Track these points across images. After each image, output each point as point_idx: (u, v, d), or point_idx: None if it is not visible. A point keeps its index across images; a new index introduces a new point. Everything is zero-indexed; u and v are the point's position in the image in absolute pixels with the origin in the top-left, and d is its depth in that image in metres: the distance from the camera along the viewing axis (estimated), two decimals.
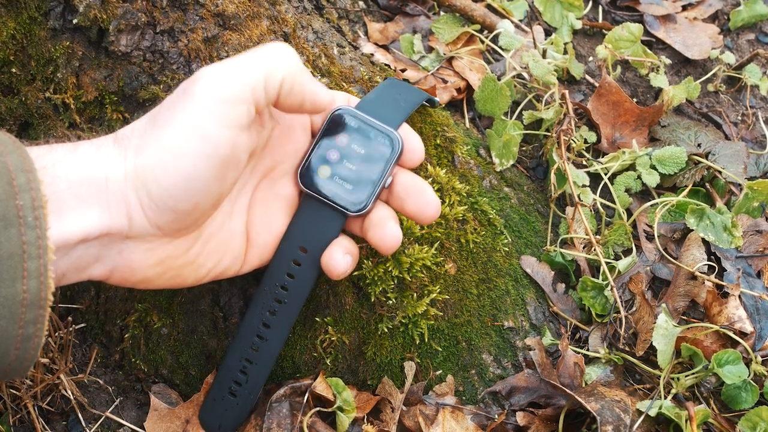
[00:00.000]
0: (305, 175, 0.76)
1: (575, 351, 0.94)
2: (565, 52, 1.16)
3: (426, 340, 0.90)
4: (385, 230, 0.75)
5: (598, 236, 1.02)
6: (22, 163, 0.56)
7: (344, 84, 0.92)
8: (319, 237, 0.77)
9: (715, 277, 0.96)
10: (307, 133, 0.78)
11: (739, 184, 1.06)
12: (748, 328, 0.91)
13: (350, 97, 0.79)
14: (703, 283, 0.94)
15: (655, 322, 0.89)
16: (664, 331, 0.88)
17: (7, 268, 0.54)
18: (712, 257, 1.00)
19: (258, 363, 0.81)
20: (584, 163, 1.09)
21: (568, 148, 1.06)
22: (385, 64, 1.05)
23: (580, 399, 0.85)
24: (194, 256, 0.71)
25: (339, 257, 0.75)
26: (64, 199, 0.60)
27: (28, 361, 0.58)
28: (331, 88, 0.87)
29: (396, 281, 0.88)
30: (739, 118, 1.23)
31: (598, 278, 0.98)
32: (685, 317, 0.97)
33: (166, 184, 0.63)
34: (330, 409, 0.85)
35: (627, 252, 1.03)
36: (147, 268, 0.67)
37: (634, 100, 1.20)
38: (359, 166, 0.76)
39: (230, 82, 0.64)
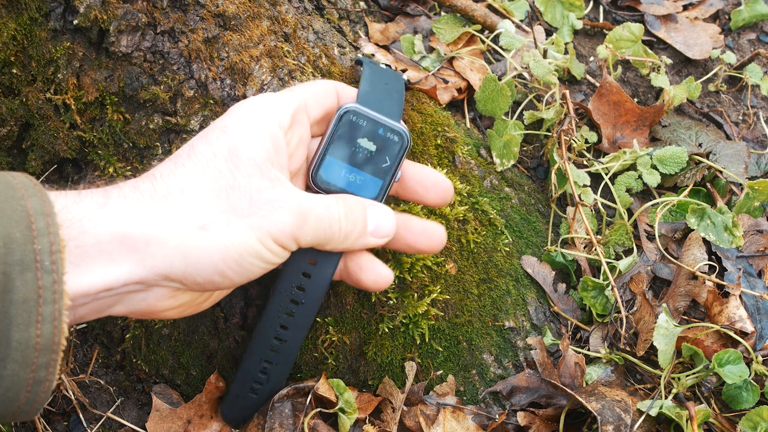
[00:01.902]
0: (316, 173, 0.76)
1: (576, 351, 0.94)
2: (566, 52, 1.16)
3: (427, 340, 0.90)
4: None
5: (598, 236, 1.02)
6: (42, 207, 0.56)
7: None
8: None
9: (716, 277, 0.95)
10: (305, 145, 0.77)
11: (740, 184, 1.06)
12: (749, 327, 0.91)
13: (337, 85, 0.79)
14: (704, 282, 0.94)
15: (655, 322, 0.89)
16: (664, 331, 0.88)
17: (21, 312, 0.53)
18: (713, 257, 1.00)
19: (278, 363, 0.81)
20: (585, 163, 1.09)
21: (569, 148, 1.06)
22: (386, 65, 1.05)
23: (580, 399, 0.85)
24: (212, 291, 0.72)
25: (384, 271, 0.77)
26: (89, 253, 0.59)
27: (38, 404, 0.57)
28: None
29: (397, 281, 0.88)
30: (740, 117, 1.23)
31: (598, 278, 0.98)
32: (685, 317, 0.97)
33: (225, 268, 0.64)
34: (332, 410, 0.86)
35: (628, 252, 1.03)
36: (168, 309, 0.68)
37: (635, 99, 1.20)
38: (370, 163, 0.76)
39: (305, 231, 0.68)
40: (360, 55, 0.97)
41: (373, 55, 1.07)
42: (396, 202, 0.89)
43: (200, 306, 0.73)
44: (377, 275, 0.77)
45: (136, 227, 0.61)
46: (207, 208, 0.64)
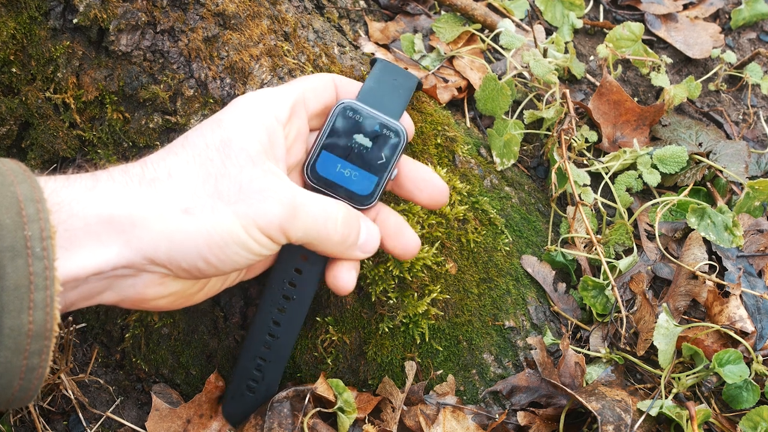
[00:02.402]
0: (311, 169, 0.76)
1: (576, 350, 0.94)
2: (566, 51, 1.16)
3: (427, 339, 0.90)
4: (404, 239, 0.77)
5: (599, 236, 1.02)
6: (32, 193, 0.56)
7: None
8: None
9: (716, 277, 0.95)
10: (303, 138, 0.77)
11: (741, 184, 1.06)
12: (749, 327, 0.91)
13: (335, 77, 0.79)
14: (704, 282, 0.94)
15: (656, 322, 0.89)
16: (665, 331, 0.88)
17: (13, 299, 0.53)
18: (713, 256, 1.00)
19: (272, 360, 0.81)
20: (585, 162, 1.09)
21: (569, 148, 1.06)
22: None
23: (581, 399, 0.85)
24: (204, 283, 0.72)
25: (346, 275, 0.76)
26: (78, 236, 0.59)
27: (32, 391, 0.57)
28: None
29: (397, 281, 0.88)
30: (741, 117, 1.23)
31: (599, 278, 0.98)
32: (686, 317, 0.97)
33: (209, 255, 0.63)
34: (331, 410, 0.85)
35: (628, 251, 1.03)
36: (159, 298, 0.67)
37: (635, 99, 1.20)
38: (365, 159, 0.76)
39: (296, 224, 0.66)
40: (378, 56, 0.97)
41: (373, 54, 1.07)
42: (396, 200, 0.89)
43: (192, 298, 0.72)
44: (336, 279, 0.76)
45: (123, 209, 0.61)
46: (192, 193, 0.64)
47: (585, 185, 1.04)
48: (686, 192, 1.05)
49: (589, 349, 0.95)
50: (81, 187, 0.61)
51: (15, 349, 0.54)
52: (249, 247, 0.65)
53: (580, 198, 1.01)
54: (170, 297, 0.68)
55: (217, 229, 0.63)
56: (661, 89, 1.20)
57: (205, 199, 0.64)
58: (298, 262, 0.77)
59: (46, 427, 0.87)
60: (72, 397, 0.88)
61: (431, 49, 1.17)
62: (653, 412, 0.85)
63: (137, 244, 0.61)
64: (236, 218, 0.63)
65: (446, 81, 1.11)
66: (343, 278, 0.75)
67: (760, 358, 0.89)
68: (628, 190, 1.07)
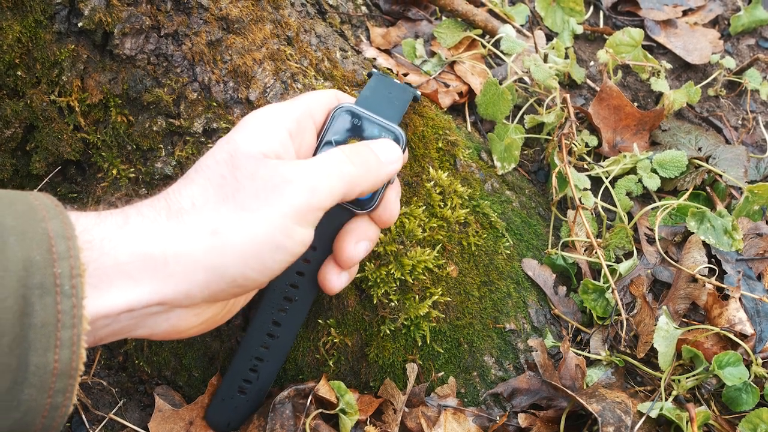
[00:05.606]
0: None
1: (576, 353, 0.94)
2: (567, 57, 1.17)
3: (428, 342, 0.91)
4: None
5: (599, 239, 1.02)
6: (63, 230, 0.55)
7: (347, 88, 0.92)
8: (327, 236, 0.77)
9: (716, 280, 0.96)
10: (313, 151, 0.77)
11: (740, 188, 1.06)
12: (749, 330, 0.91)
13: (338, 93, 0.79)
14: (704, 285, 0.95)
15: (656, 325, 0.89)
16: (665, 333, 0.89)
17: (40, 337, 0.53)
18: (713, 260, 1.00)
19: (269, 360, 0.81)
20: (585, 166, 1.10)
21: (570, 152, 1.07)
22: (388, 69, 1.05)
23: (581, 400, 0.85)
24: (232, 303, 0.72)
25: (334, 277, 0.77)
26: (109, 275, 0.58)
27: (54, 429, 0.56)
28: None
29: (398, 283, 0.88)
30: (740, 122, 1.24)
31: (599, 281, 0.98)
32: (685, 319, 0.97)
33: (246, 269, 0.63)
34: (332, 411, 0.86)
35: (628, 255, 1.04)
36: (192, 327, 0.67)
37: (635, 104, 1.20)
38: None
39: (321, 193, 0.65)
40: (374, 69, 0.97)
41: (374, 59, 1.08)
42: None
43: (222, 320, 0.72)
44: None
45: (155, 246, 0.60)
46: (217, 215, 0.64)
47: (585, 189, 1.04)
48: (686, 196, 1.06)
49: (589, 352, 0.95)
50: (112, 225, 0.60)
51: (40, 387, 0.53)
52: (286, 247, 0.64)
53: (581, 202, 1.01)
54: (202, 325, 0.68)
55: (248, 241, 0.63)
56: (660, 94, 1.21)
57: (230, 216, 0.63)
58: (300, 266, 0.78)
59: None
60: (75, 398, 0.89)
61: (432, 54, 1.18)
62: (653, 414, 0.85)
63: (172, 281, 0.61)
64: (267, 223, 0.63)
65: (447, 86, 1.12)
66: (332, 281, 0.77)
67: (760, 361, 0.89)
68: (628, 194, 1.08)
